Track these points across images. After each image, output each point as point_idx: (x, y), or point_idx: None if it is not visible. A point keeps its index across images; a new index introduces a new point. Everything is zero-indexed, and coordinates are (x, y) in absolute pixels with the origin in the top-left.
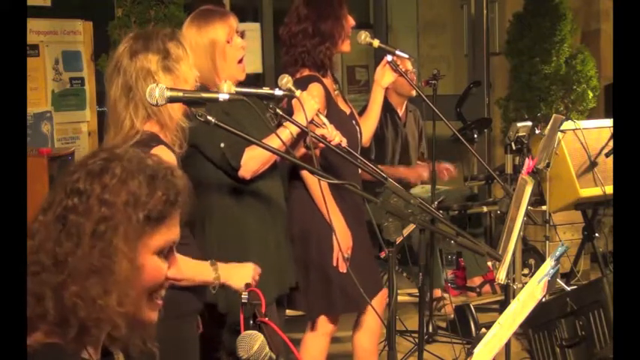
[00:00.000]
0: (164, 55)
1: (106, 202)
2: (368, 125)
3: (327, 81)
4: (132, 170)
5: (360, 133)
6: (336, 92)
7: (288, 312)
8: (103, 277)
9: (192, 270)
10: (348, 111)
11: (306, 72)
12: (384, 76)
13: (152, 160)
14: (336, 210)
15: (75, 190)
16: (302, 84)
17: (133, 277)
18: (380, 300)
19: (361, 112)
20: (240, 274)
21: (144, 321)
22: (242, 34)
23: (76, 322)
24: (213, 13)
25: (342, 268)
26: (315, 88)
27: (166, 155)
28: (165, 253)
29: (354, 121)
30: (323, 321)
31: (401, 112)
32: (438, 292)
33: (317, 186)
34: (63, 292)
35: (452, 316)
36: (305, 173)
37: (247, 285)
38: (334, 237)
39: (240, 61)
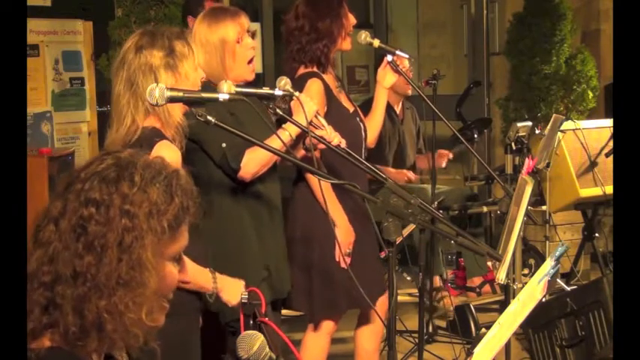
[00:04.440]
0: (168, 52)
1: (128, 213)
2: (373, 127)
3: (328, 77)
4: (150, 178)
5: (365, 131)
6: (338, 90)
7: (288, 312)
8: (132, 290)
9: (196, 275)
10: (351, 109)
11: (302, 69)
12: (386, 77)
13: (161, 164)
14: (339, 208)
15: (91, 199)
16: (301, 81)
17: (159, 288)
18: (383, 300)
19: (361, 109)
20: (234, 289)
21: (155, 325)
22: (253, 35)
23: (97, 334)
24: (225, 12)
25: (344, 263)
26: (314, 84)
27: (170, 150)
28: (177, 259)
29: (357, 119)
30: (325, 321)
31: (398, 109)
32: (437, 282)
33: (319, 186)
34: (85, 305)
35: (452, 315)
36: (308, 174)
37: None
38: (336, 232)
39: (249, 62)
